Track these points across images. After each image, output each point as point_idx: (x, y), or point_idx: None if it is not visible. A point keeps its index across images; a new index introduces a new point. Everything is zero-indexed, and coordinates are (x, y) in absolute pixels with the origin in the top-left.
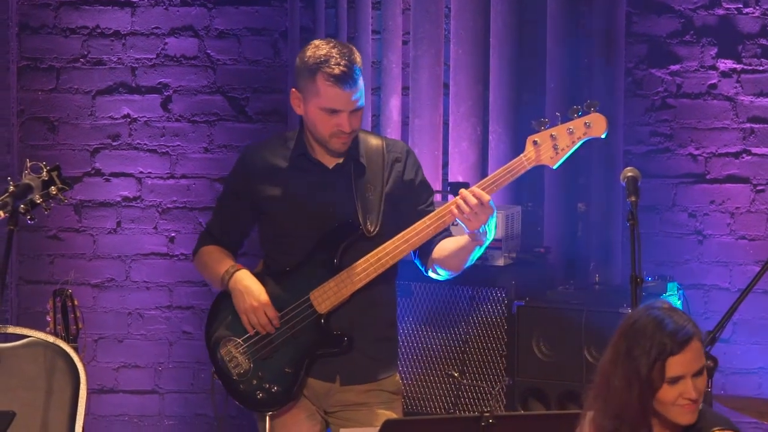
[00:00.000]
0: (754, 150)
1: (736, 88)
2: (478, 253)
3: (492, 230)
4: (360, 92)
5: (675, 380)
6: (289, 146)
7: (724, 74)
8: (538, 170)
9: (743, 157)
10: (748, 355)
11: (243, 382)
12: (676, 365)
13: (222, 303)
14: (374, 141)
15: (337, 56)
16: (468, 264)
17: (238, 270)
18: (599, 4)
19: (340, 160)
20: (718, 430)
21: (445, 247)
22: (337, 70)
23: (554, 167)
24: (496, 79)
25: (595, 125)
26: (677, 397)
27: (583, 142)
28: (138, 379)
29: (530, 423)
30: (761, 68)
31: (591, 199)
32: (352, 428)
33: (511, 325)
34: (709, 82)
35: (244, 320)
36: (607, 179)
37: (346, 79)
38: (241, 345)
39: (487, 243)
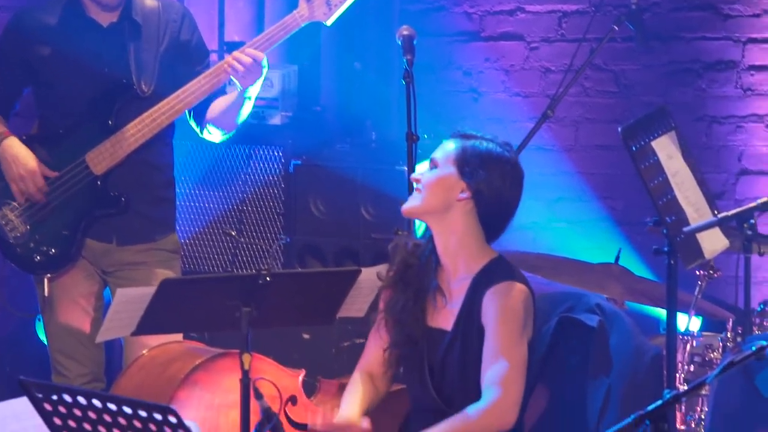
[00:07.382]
0: (528, 8)
1: None
2: (246, 106)
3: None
4: None
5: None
6: (63, 5)
7: None
8: (315, 29)
9: (518, 15)
10: (521, 211)
11: (20, 245)
12: None
13: None
14: (149, 2)
15: None
16: (239, 119)
17: (5, 138)
18: None
19: (115, 19)
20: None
21: (217, 105)
22: None
23: (328, 23)
24: None
25: None
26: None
27: None
28: None
29: (307, 280)
30: None
31: (367, 57)
32: (129, 288)
33: (288, 184)
34: None
35: (14, 188)
36: (383, 38)
37: None
38: (17, 208)
39: (254, 96)
